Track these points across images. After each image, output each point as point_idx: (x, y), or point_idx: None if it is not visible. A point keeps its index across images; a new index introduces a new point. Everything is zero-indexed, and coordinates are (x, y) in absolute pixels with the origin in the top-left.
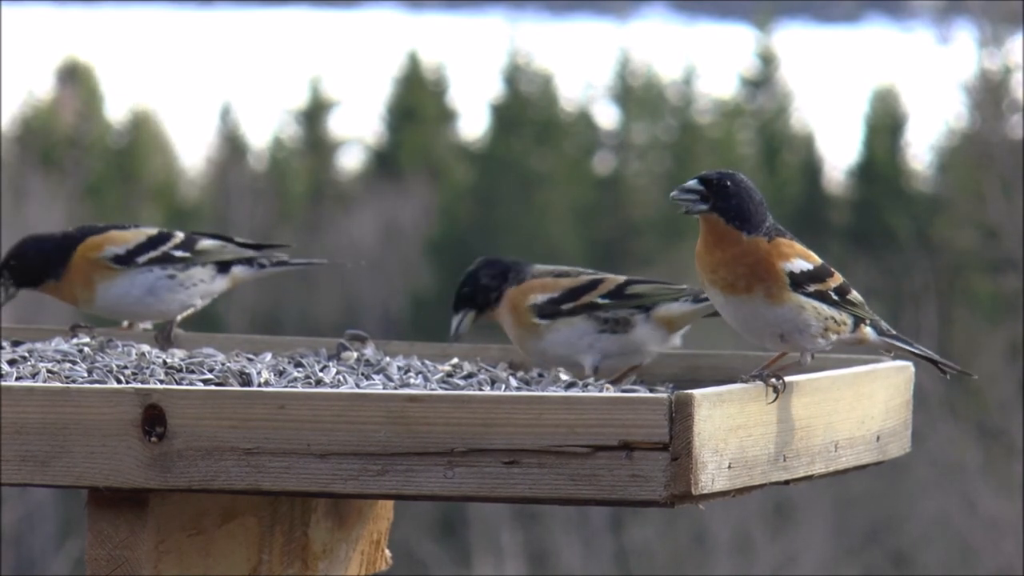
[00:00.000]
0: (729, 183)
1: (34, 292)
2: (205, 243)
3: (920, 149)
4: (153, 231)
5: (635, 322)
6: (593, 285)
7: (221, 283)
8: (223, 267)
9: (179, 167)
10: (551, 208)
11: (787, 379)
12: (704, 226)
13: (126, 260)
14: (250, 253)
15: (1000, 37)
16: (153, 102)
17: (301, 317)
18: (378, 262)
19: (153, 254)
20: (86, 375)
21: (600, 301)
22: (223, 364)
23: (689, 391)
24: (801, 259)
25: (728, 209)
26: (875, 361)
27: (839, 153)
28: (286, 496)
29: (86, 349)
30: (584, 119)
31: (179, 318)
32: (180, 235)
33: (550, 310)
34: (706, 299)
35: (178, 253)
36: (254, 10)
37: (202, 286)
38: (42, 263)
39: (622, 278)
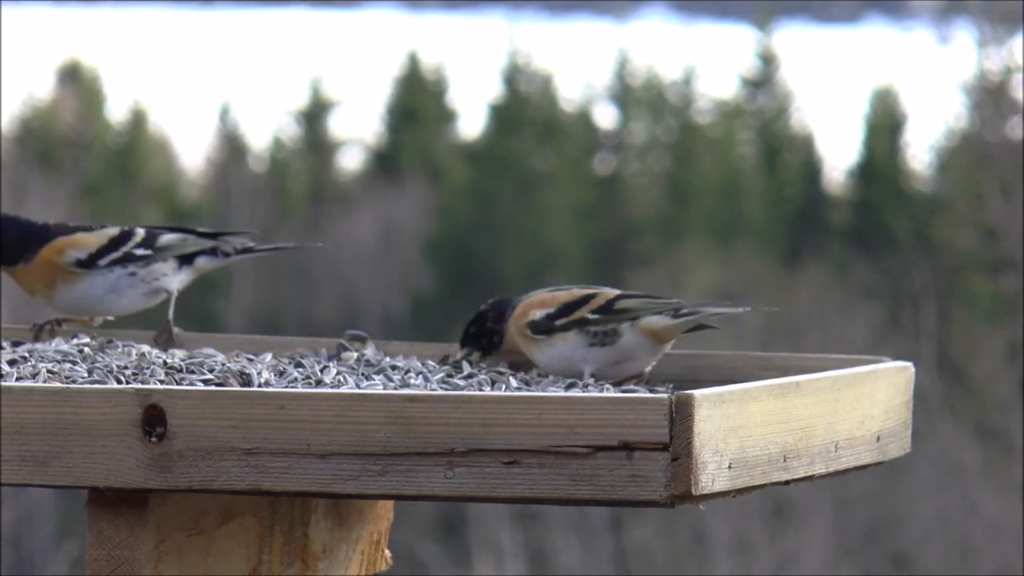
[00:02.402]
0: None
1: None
2: (166, 238)
3: (920, 149)
4: (115, 231)
5: (621, 332)
6: (585, 300)
7: (185, 275)
8: (186, 259)
9: (179, 167)
10: (551, 208)
11: (788, 379)
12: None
13: (88, 264)
14: (212, 243)
15: (1000, 37)
16: (153, 102)
17: (301, 317)
18: (378, 262)
19: (115, 255)
20: (86, 375)
21: (590, 316)
22: (223, 364)
23: (689, 391)
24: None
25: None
26: (875, 361)
27: (839, 153)
28: (286, 496)
29: (86, 349)
30: (584, 119)
31: (170, 314)
32: (141, 232)
33: (545, 326)
34: (686, 314)
35: (140, 251)
36: (254, 10)
37: (164, 280)
38: (20, 244)
39: (614, 293)
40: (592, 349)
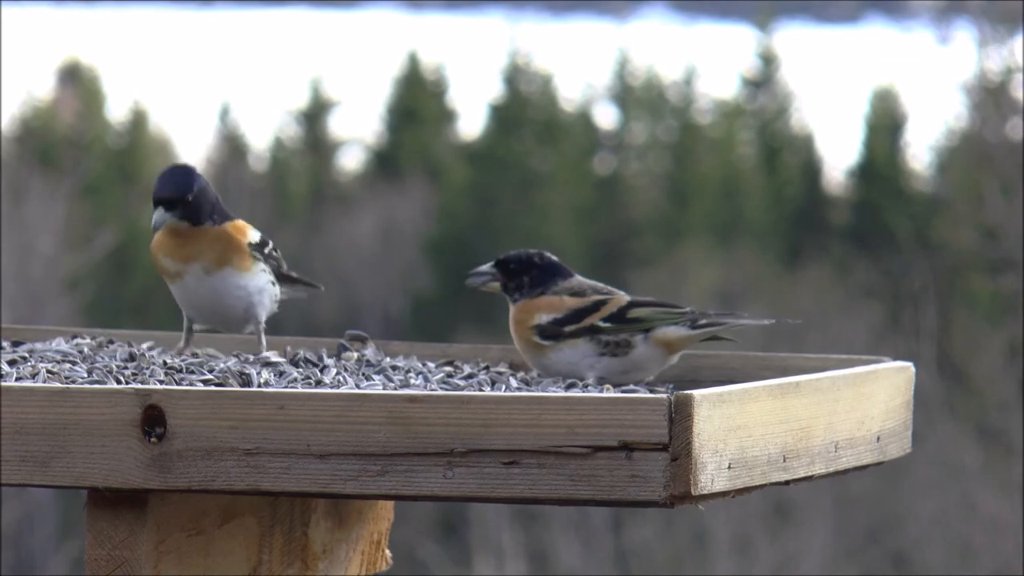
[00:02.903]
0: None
1: (34, 293)
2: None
3: (920, 149)
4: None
5: (635, 343)
6: (596, 307)
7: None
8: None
9: None
10: (551, 208)
11: (788, 380)
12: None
13: (257, 249)
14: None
15: (1000, 37)
16: (153, 102)
17: (301, 317)
18: (378, 262)
19: (267, 250)
20: (86, 375)
21: (601, 324)
22: (223, 364)
23: (689, 391)
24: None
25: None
26: (876, 362)
27: (839, 153)
28: (286, 496)
29: (86, 349)
30: (584, 119)
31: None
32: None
33: (553, 331)
34: (703, 325)
35: (276, 254)
36: (254, 10)
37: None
38: (212, 206)
39: (626, 299)
40: (602, 359)
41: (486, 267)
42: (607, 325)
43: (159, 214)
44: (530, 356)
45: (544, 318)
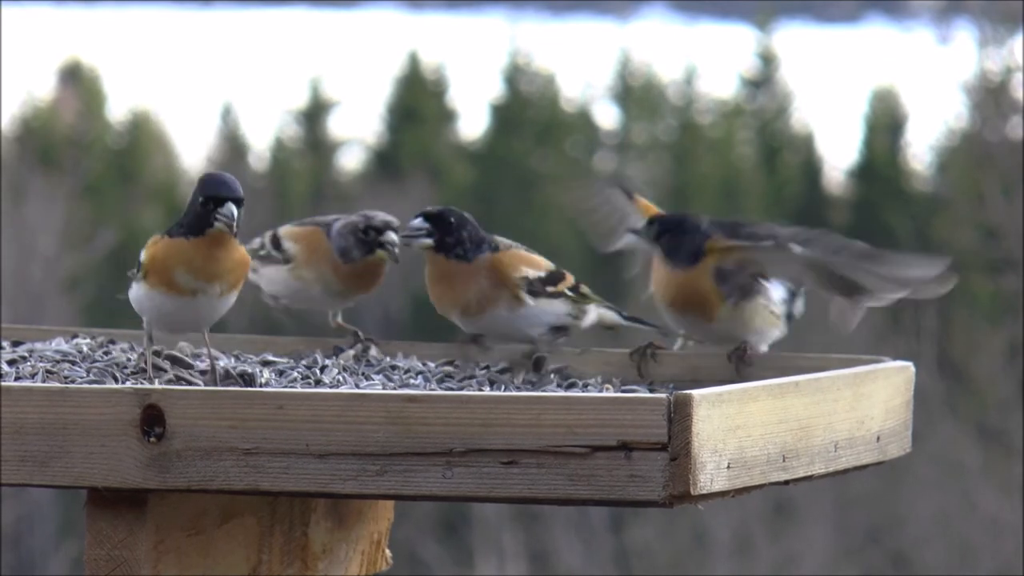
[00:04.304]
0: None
1: (34, 293)
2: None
3: (920, 149)
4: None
5: (588, 311)
6: (562, 275)
7: None
8: None
9: (179, 167)
10: (551, 208)
11: (787, 379)
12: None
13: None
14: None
15: (1000, 37)
16: (153, 102)
17: (302, 317)
18: None
19: None
20: (85, 375)
21: (568, 292)
22: (223, 364)
23: (688, 391)
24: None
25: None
26: (875, 361)
27: (839, 153)
28: (285, 496)
29: (85, 349)
30: (584, 119)
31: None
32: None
33: (538, 289)
34: (628, 318)
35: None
36: (254, 10)
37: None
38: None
39: (573, 277)
40: (566, 318)
41: (417, 222)
42: (571, 294)
43: (235, 210)
44: (508, 303)
45: (531, 273)
